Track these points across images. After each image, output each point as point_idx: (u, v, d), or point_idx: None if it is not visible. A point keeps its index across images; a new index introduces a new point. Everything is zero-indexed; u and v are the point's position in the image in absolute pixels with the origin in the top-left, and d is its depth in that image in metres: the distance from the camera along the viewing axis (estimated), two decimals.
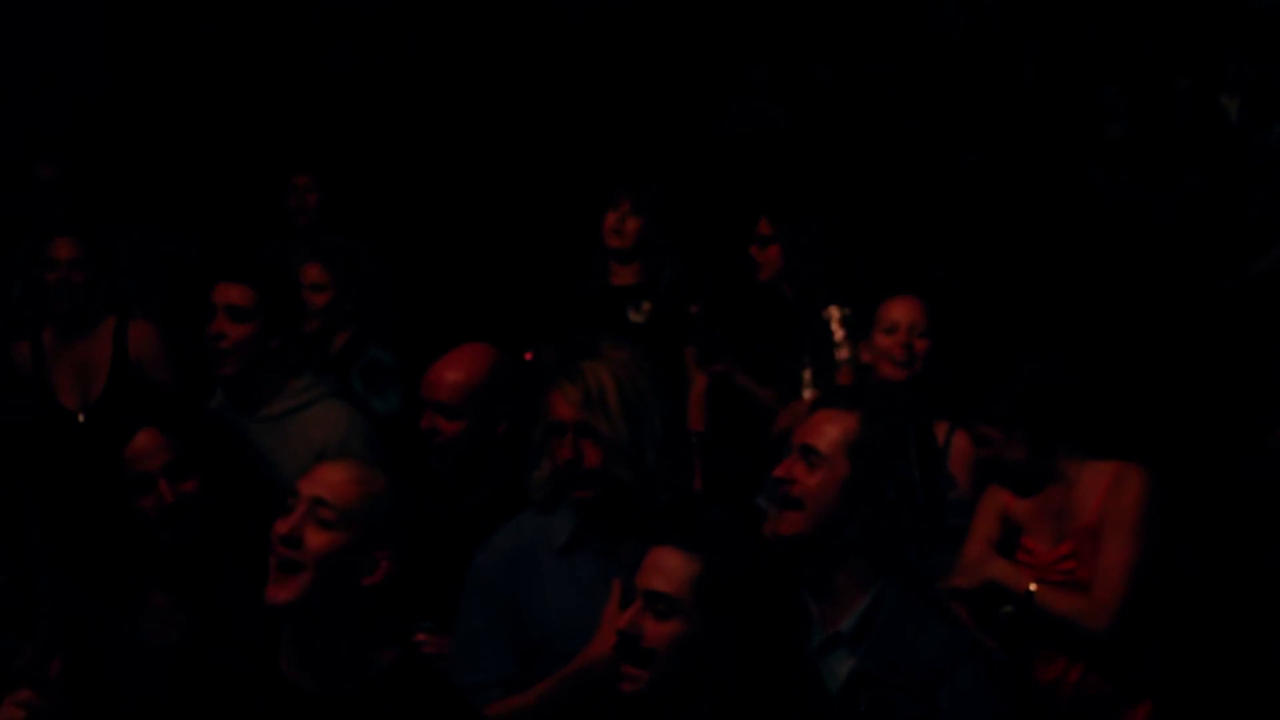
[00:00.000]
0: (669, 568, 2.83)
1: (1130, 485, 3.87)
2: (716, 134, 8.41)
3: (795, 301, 5.64)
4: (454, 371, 3.81)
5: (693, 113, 8.57)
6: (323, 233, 6.82)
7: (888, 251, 7.07)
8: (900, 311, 4.58)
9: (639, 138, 8.29)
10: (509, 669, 3.26)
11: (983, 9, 8.35)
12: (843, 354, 5.51)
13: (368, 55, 8.80)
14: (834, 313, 5.48)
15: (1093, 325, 6.61)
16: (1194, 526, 5.04)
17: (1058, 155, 7.76)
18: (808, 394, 5.43)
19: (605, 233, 5.71)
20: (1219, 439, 5.81)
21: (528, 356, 5.33)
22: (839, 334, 5.46)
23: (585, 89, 8.62)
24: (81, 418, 5.18)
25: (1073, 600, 3.84)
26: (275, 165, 7.26)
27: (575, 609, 3.24)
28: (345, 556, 2.77)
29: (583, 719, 3.08)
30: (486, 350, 3.88)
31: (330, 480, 2.83)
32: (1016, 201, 7.62)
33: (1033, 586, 3.87)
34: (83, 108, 8.14)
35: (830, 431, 3.13)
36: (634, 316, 5.65)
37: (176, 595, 3.61)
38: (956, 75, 8.15)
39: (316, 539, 2.77)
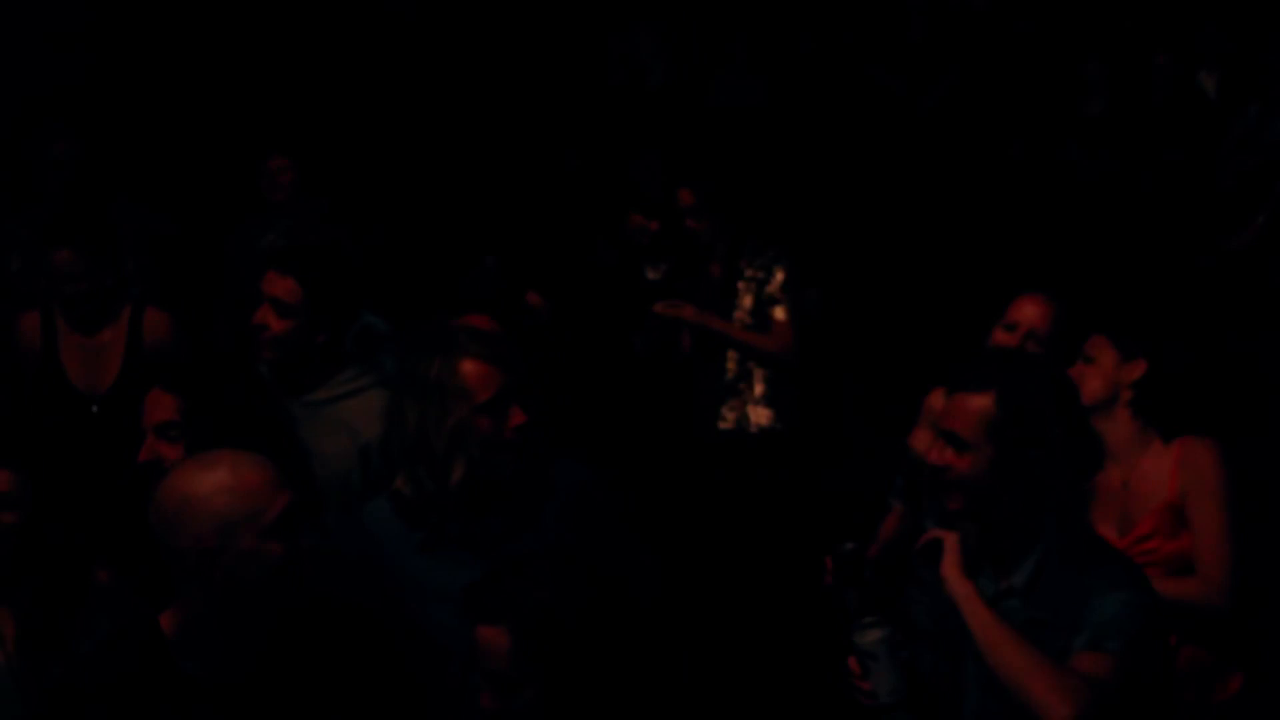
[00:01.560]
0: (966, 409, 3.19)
1: (1206, 458, 3.96)
2: (699, 108, 8.45)
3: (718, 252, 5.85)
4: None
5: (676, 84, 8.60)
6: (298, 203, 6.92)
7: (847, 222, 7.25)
8: (1023, 311, 4.50)
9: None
10: None
11: None
12: (740, 312, 5.72)
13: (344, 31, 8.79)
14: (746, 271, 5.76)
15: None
16: None
17: (1036, 131, 7.79)
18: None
19: (633, 232, 6.02)
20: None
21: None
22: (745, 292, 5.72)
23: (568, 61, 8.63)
24: (95, 408, 5.16)
25: (1183, 585, 3.89)
26: (251, 143, 7.30)
27: None
28: None
29: None
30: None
31: None
32: (994, 177, 7.66)
33: None
34: (63, 82, 8.10)
35: (970, 415, 3.23)
36: (651, 274, 5.83)
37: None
38: (937, 50, 8.17)
39: None
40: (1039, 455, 3.22)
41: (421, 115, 8.47)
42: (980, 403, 3.23)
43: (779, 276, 5.75)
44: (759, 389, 5.83)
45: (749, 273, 5.75)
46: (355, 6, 8.82)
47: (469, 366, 3.43)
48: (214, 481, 2.82)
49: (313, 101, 8.40)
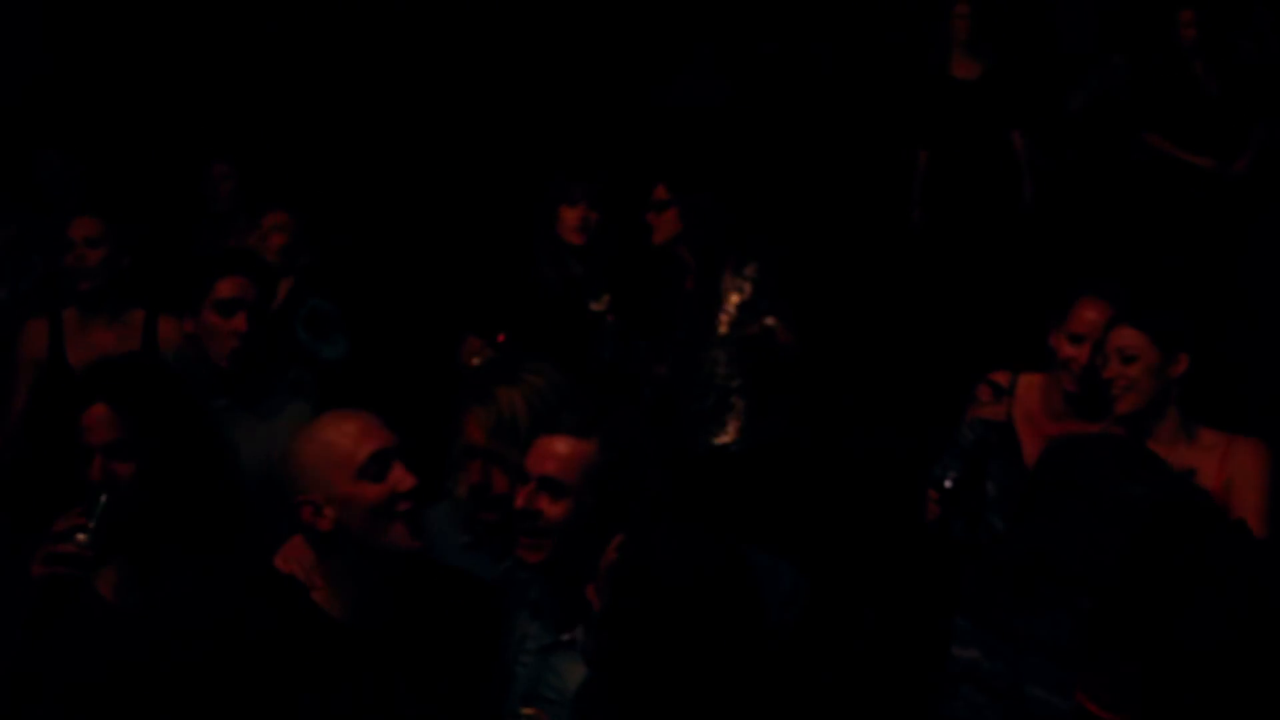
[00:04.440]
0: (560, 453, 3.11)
1: (1256, 454, 4.02)
2: (655, 107, 8.34)
3: (695, 267, 5.63)
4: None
5: (629, 87, 8.48)
6: (241, 215, 6.76)
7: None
8: (1087, 319, 4.30)
9: (570, 114, 8.24)
10: None
11: None
12: (722, 327, 5.54)
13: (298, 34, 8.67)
14: (731, 285, 5.54)
15: None
16: None
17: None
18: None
19: (565, 229, 5.63)
20: None
21: (500, 339, 5.35)
22: (731, 304, 5.53)
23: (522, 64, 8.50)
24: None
25: None
26: (198, 149, 7.27)
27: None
28: None
29: None
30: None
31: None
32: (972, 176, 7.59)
33: None
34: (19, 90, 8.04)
35: (571, 460, 3.12)
36: (595, 306, 5.59)
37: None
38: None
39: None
40: (637, 506, 3.11)
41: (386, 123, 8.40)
42: (584, 448, 3.11)
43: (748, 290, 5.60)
44: (740, 404, 5.67)
45: (733, 296, 5.57)
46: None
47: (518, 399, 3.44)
48: (307, 435, 3.02)
49: (268, 106, 8.34)
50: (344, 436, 2.99)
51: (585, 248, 5.63)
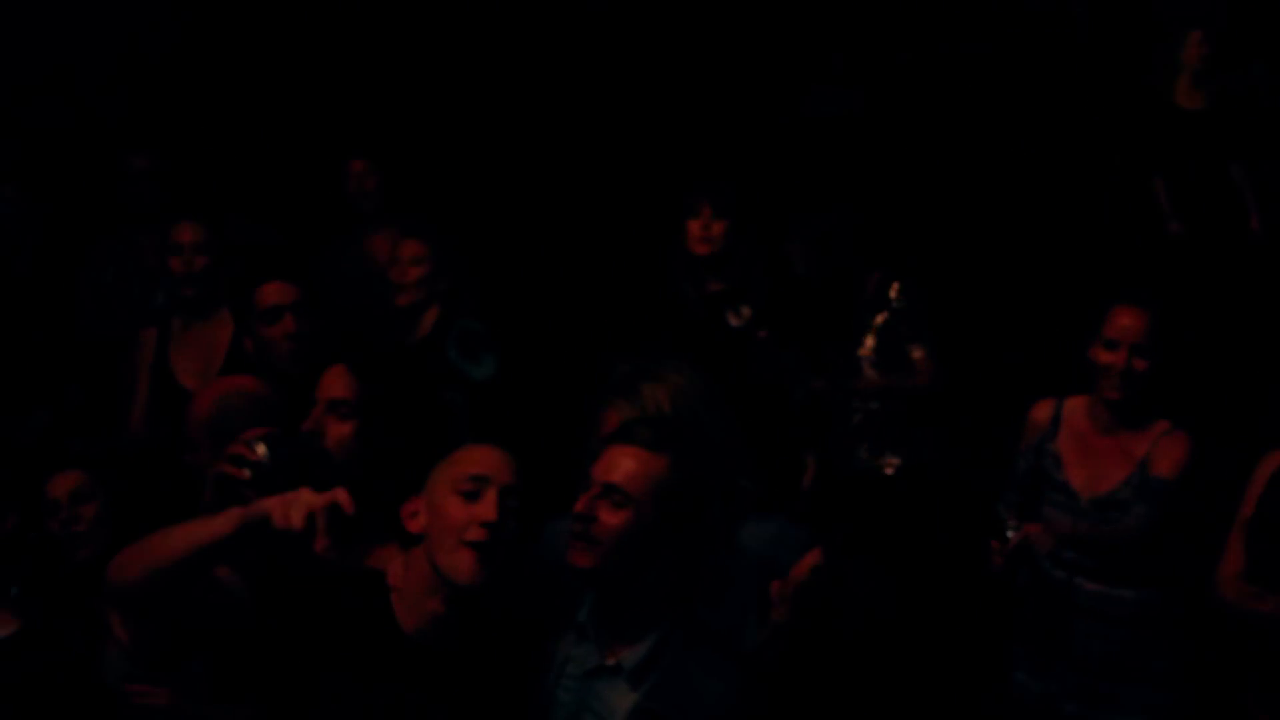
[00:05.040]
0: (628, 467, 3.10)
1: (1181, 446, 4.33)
2: (793, 120, 8.36)
3: (826, 290, 5.72)
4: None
5: (766, 99, 8.51)
6: (388, 215, 6.87)
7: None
8: (1121, 325, 4.39)
9: (707, 129, 8.25)
10: None
11: None
12: (865, 350, 5.57)
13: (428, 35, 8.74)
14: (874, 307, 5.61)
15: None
16: None
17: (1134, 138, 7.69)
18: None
19: (691, 240, 5.66)
20: None
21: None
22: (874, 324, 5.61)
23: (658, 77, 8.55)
24: None
25: None
26: (334, 150, 7.31)
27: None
28: None
29: None
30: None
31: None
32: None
33: None
34: (147, 94, 8.17)
35: (639, 472, 3.13)
36: (734, 321, 5.63)
37: None
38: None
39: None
40: (694, 531, 3.15)
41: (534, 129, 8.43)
42: (654, 462, 3.13)
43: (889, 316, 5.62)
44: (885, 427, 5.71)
45: (875, 320, 5.61)
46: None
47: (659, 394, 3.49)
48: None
49: (412, 112, 8.40)
50: (466, 454, 3.09)
51: (712, 260, 5.63)
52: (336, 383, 3.66)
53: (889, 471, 5.71)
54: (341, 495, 2.80)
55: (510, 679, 3.14)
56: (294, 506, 2.78)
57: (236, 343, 5.28)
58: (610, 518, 3.09)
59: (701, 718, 3.04)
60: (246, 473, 3.24)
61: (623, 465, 3.12)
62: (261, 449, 3.25)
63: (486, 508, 3.00)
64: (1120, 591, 4.37)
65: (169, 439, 4.46)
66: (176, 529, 2.84)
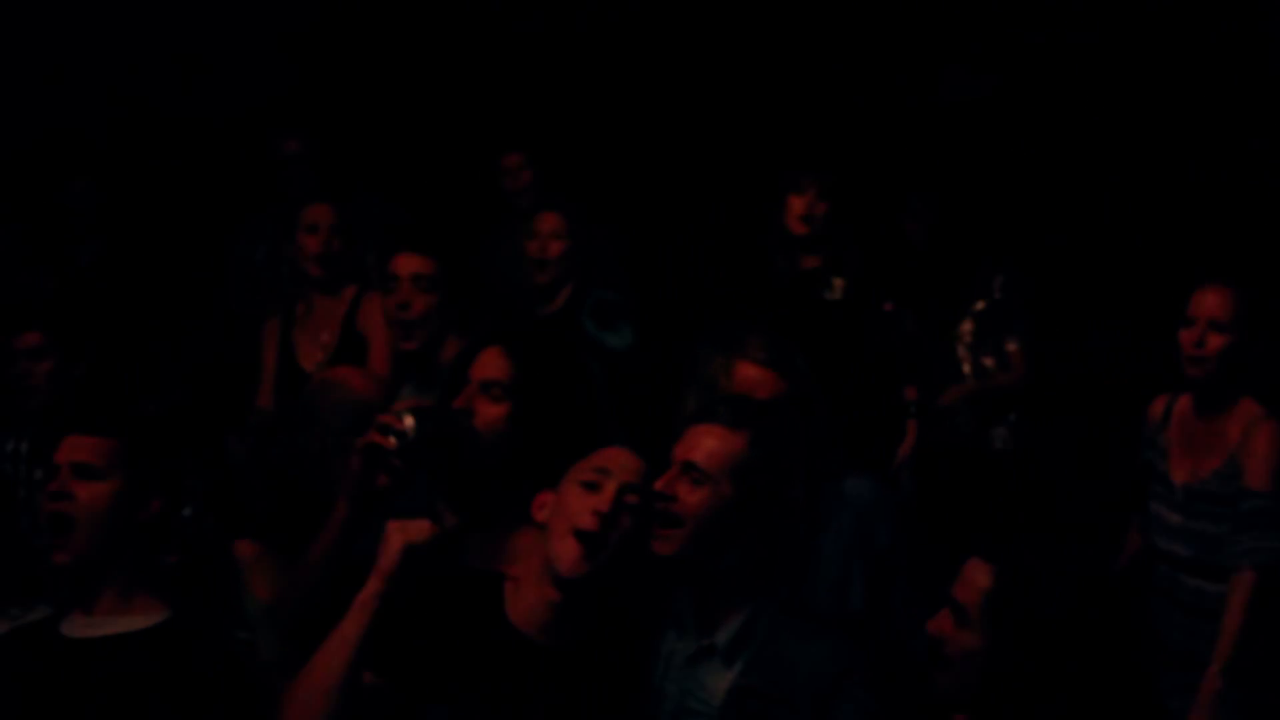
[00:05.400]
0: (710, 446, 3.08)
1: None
2: (926, 103, 8.37)
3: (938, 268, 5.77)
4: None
5: (893, 81, 8.52)
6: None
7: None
8: (1202, 304, 4.43)
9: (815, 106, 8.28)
10: None
11: None
12: (965, 337, 5.65)
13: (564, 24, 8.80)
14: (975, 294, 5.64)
15: None
16: None
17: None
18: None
19: (791, 218, 5.68)
20: None
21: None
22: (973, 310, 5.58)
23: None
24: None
25: None
26: (486, 142, 7.39)
27: None
28: None
29: None
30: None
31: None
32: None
33: None
34: (296, 79, 8.32)
35: (717, 449, 3.13)
36: (829, 295, 5.67)
37: None
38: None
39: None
40: (775, 509, 3.14)
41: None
42: (733, 440, 3.13)
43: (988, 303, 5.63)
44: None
45: (978, 304, 5.63)
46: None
47: (746, 370, 3.53)
48: None
49: (561, 98, 8.44)
50: (599, 451, 3.14)
51: (810, 238, 5.66)
52: (491, 363, 3.58)
53: (998, 445, 5.75)
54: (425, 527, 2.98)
55: (619, 678, 3.13)
56: (394, 543, 2.97)
57: (347, 328, 5.40)
58: (689, 496, 3.09)
59: (801, 691, 3.01)
60: (393, 441, 3.22)
61: (702, 444, 3.13)
62: (409, 420, 3.22)
63: (602, 499, 3.03)
64: (1219, 586, 4.34)
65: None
66: (319, 655, 2.93)
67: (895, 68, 8.44)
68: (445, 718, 3.01)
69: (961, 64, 8.41)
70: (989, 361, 5.71)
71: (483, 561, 3.35)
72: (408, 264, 4.74)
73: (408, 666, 3.04)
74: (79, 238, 7.05)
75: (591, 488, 3.06)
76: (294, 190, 6.73)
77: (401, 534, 3.01)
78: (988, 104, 8.17)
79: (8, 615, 4.23)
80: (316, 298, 5.53)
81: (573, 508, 3.04)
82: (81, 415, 3.37)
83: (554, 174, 7.13)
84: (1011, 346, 5.65)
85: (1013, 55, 8.40)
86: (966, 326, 5.69)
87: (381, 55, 8.47)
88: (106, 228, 7.08)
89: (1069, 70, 8.23)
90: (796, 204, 5.65)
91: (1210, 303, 4.38)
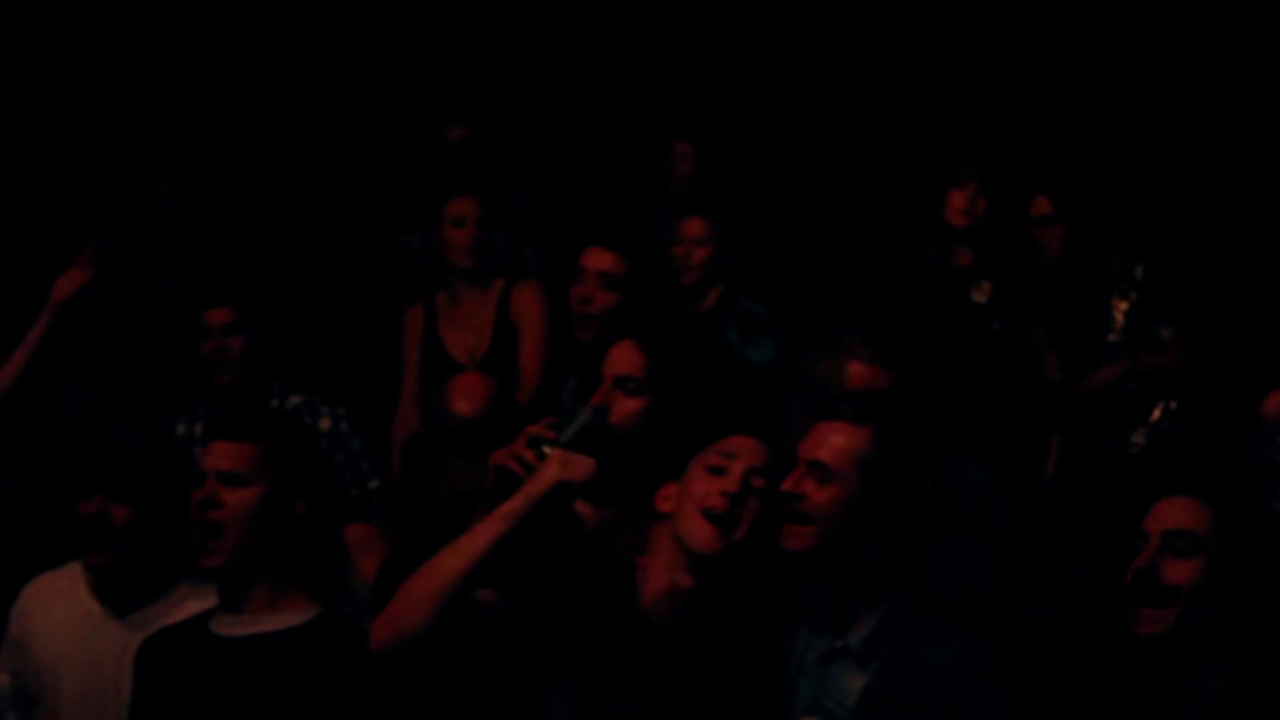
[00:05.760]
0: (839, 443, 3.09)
1: None
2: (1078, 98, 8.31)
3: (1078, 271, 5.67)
4: None
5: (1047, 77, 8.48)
6: (699, 195, 6.86)
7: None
8: None
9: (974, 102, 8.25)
10: None
11: None
12: (1113, 335, 5.58)
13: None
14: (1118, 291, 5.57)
15: None
16: None
17: None
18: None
19: (951, 211, 5.75)
20: None
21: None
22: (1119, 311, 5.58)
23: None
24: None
25: None
26: (652, 130, 7.43)
27: None
28: None
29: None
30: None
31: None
32: None
33: None
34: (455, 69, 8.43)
35: (842, 446, 3.12)
36: (976, 296, 5.71)
37: None
38: None
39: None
40: (904, 502, 3.12)
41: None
42: (858, 436, 3.13)
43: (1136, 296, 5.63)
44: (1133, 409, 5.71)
45: (1120, 302, 5.63)
46: None
47: (856, 368, 3.50)
48: None
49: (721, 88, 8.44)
50: (725, 439, 3.17)
51: (969, 231, 5.71)
52: (624, 358, 3.61)
53: (1138, 446, 5.74)
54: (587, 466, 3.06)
55: (747, 670, 3.15)
56: (550, 472, 3.05)
57: (501, 319, 5.53)
58: (817, 494, 3.09)
59: (935, 694, 3.01)
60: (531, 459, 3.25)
61: (828, 441, 3.13)
62: (547, 450, 3.22)
63: (729, 480, 3.05)
64: None
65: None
66: (442, 555, 2.97)
67: (1046, 64, 8.41)
68: (571, 697, 3.03)
69: (1111, 61, 8.36)
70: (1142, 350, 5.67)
71: (622, 553, 3.36)
72: (598, 259, 4.69)
73: (533, 597, 3.08)
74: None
75: (718, 471, 3.08)
76: (455, 178, 6.77)
77: (560, 466, 3.08)
78: (1137, 101, 8.12)
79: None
80: (462, 289, 5.63)
81: (698, 489, 3.07)
82: (224, 422, 3.43)
83: (716, 172, 7.15)
84: (1166, 333, 5.62)
85: (1162, 51, 8.33)
86: (1119, 322, 5.65)
87: (545, 41, 8.54)
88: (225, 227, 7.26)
89: (1217, 66, 8.16)
90: (957, 198, 5.72)
91: None
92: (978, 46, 8.43)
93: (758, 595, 3.20)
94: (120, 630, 3.61)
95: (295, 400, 5.07)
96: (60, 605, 3.68)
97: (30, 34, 7.65)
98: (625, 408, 3.57)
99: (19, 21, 7.55)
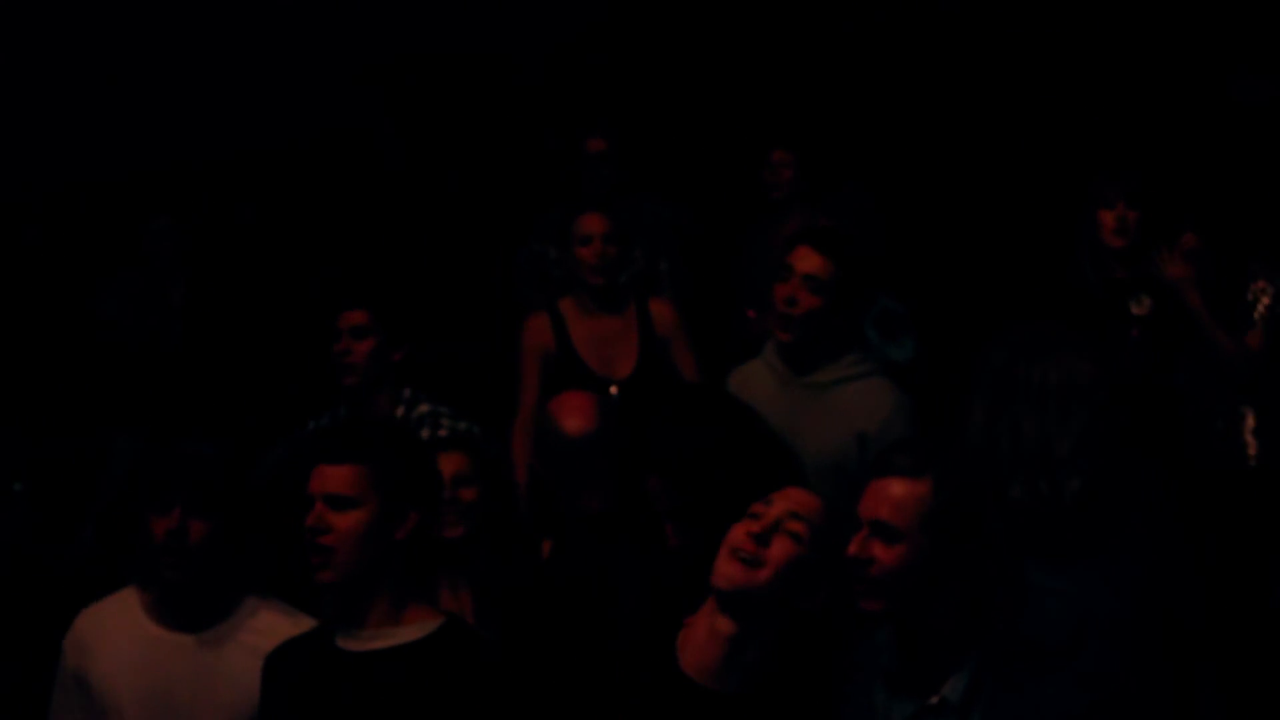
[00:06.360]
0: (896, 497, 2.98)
1: None
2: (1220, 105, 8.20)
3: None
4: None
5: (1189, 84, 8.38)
6: (800, 203, 6.90)
7: None
8: None
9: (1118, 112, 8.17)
10: None
11: None
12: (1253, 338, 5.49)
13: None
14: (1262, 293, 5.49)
15: None
16: None
17: None
18: None
19: (1105, 233, 5.63)
20: None
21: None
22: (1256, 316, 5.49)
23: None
24: (614, 390, 5.45)
25: None
26: (757, 138, 7.39)
27: None
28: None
29: None
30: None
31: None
32: None
33: None
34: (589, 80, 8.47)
35: (903, 503, 2.99)
36: (1136, 309, 5.60)
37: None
38: None
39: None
40: (974, 549, 2.98)
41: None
42: (916, 489, 2.98)
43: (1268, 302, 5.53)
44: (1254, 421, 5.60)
45: (1261, 301, 5.55)
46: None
47: (1088, 367, 3.37)
48: None
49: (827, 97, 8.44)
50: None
51: (1127, 250, 5.60)
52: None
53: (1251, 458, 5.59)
54: None
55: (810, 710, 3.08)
56: None
57: (646, 336, 5.51)
58: (885, 555, 2.98)
59: None
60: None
61: (887, 498, 3.01)
62: None
63: (760, 522, 3.03)
64: None
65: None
66: None
67: (1187, 70, 8.31)
68: None
69: (1252, 66, 8.24)
70: None
71: None
72: (808, 261, 4.56)
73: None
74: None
75: (754, 516, 3.06)
76: (594, 190, 6.78)
77: None
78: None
79: None
80: (595, 302, 5.61)
81: (735, 533, 3.05)
82: (328, 444, 3.38)
83: (818, 179, 7.12)
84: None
85: None
86: (1258, 320, 5.55)
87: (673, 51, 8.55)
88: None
89: None
90: (1107, 218, 5.61)
91: None
92: (1115, 53, 8.37)
93: (813, 652, 3.13)
94: (193, 650, 3.58)
95: (423, 409, 5.05)
96: (121, 633, 3.59)
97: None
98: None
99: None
